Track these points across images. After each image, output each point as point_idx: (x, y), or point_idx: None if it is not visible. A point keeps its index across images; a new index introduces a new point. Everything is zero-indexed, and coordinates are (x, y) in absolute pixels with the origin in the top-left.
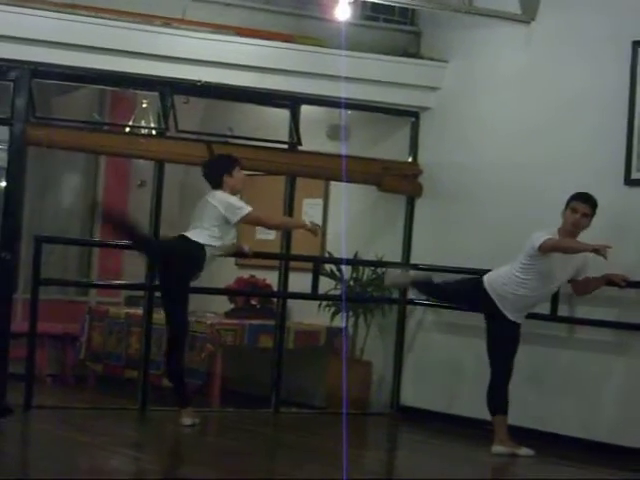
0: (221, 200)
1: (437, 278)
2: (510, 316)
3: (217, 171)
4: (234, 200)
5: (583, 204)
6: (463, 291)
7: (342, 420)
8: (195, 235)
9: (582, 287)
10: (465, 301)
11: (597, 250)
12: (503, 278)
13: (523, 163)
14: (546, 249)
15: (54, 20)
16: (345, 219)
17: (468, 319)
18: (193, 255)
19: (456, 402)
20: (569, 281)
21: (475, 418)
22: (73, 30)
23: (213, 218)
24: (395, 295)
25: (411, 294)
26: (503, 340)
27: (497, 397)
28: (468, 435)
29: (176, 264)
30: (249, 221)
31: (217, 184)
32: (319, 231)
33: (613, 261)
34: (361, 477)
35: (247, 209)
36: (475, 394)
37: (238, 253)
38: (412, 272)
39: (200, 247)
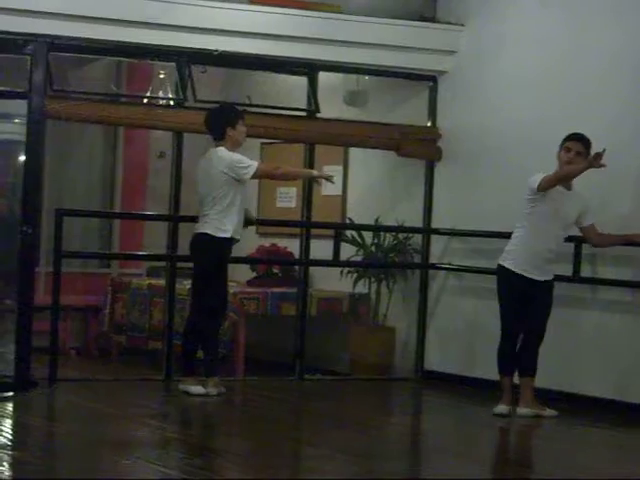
0: (226, 164)
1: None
2: (537, 276)
3: (220, 123)
4: (238, 158)
5: (576, 142)
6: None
7: (364, 386)
8: (213, 228)
9: (598, 238)
10: (505, 306)
11: (592, 162)
12: (512, 241)
13: (540, 125)
14: (545, 185)
15: None
16: (363, 186)
17: (490, 282)
18: (218, 256)
19: (480, 365)
20: (581, 229)
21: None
22: (88, 2)
23: (224, 186)
24: (417, 260)
25: (433, 259)
26: (538, 302)
27: (528, 359)
28: (493, 398)
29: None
30: (262, 175)
31: (219, 136)
32: (332, 178)
33: (632, 215)
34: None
35: (255, 164)
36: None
37: (247, 222)
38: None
39: (223, 244)
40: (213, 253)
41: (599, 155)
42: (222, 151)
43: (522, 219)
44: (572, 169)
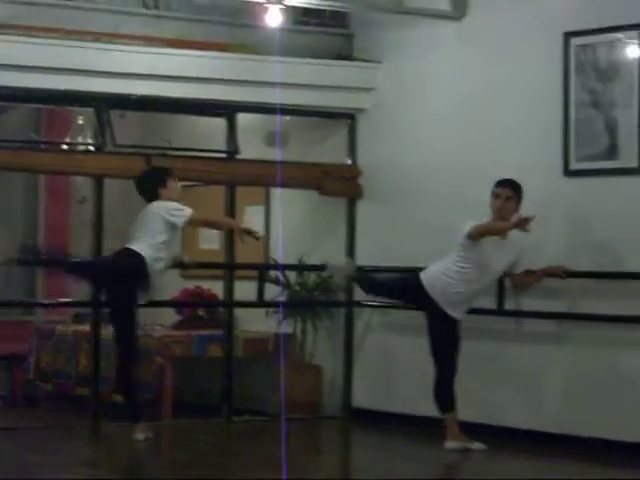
0: (161, 207)
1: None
2: (450, 312)
3: (151, 185)
4: (174, 205)
5: (503, 188)
6: (401, 286)
7: (293, 426)
8: (139, 247)
9: (521, 281)
10: (403, 296)
11: (518, 224)
12: (441, 273)
13: (459, 160)
14: (475, 235)
15: None
16: (286, 225)
17: (416, 319)
18: (134, 269)
19: (409, 402)
20: (507, 275)
21: (429, 416)
22: (4, 50)
23: (158, 226)
24: (341, 298)
25: (357, 296)
26: (444, 338)
27: (444, 395)
28: (423, 434)
29: (117, 281)
30: (195, 222)
31: (153, 197)
32: (259, 234)
33: (553, 252)
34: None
35: (189, 210)
36: (428, 393)
37: (177, 264)
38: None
39: (142, 259)
40: (139, 272)
41: (527, 220)
42: (160, 202)
43: (454, 257)
44: (500, 227)
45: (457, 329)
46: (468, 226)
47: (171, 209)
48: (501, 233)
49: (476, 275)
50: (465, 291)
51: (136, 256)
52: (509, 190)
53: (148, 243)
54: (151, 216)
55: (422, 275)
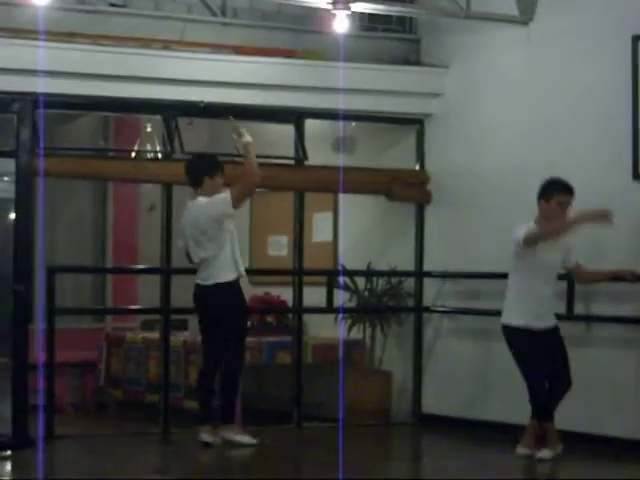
0: (207, 208)
1: None
2: (537, 325)
3: (200, 170)
4: (214, 199)
5: (569, 195)
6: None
7: (362, 432)
8: (224, 274)
9: (585, 275)
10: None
11: (593, 218)
12: (508, 299)
13: (529, 164)
14: (529, 240)
15: (53, 50)
16: (354, 231)
17: (485, 324)
18: (239, 301)
19: (478, 407)
20: (567, 270)
21: (498, 422)
22: (72, 58)
23: (216, 226)
24: (410, 303)
25: (426, 302)
26: (526, 353)
27: (533, 403)
28: (492, 439)
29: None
30: (239, 197)
31: (196, 183)
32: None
33: (622, 256)
34: None
35: (227, 193)
36: (496, 398)
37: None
38: None
39: (235, 285)
40: (241, 299)
41: (604, 214)
42: (200, 203)
43: (513, 272)
44: (559, 227)
45: (557, 337)
46: (522, 232)
47: (215, 205)
48: (562, 234)
49: (536, 278)
50: (537, 299)
51: (230, 285)
52: (571, 197)
53: (222, 260)
54: (207, 221)
55: (501, 321)
